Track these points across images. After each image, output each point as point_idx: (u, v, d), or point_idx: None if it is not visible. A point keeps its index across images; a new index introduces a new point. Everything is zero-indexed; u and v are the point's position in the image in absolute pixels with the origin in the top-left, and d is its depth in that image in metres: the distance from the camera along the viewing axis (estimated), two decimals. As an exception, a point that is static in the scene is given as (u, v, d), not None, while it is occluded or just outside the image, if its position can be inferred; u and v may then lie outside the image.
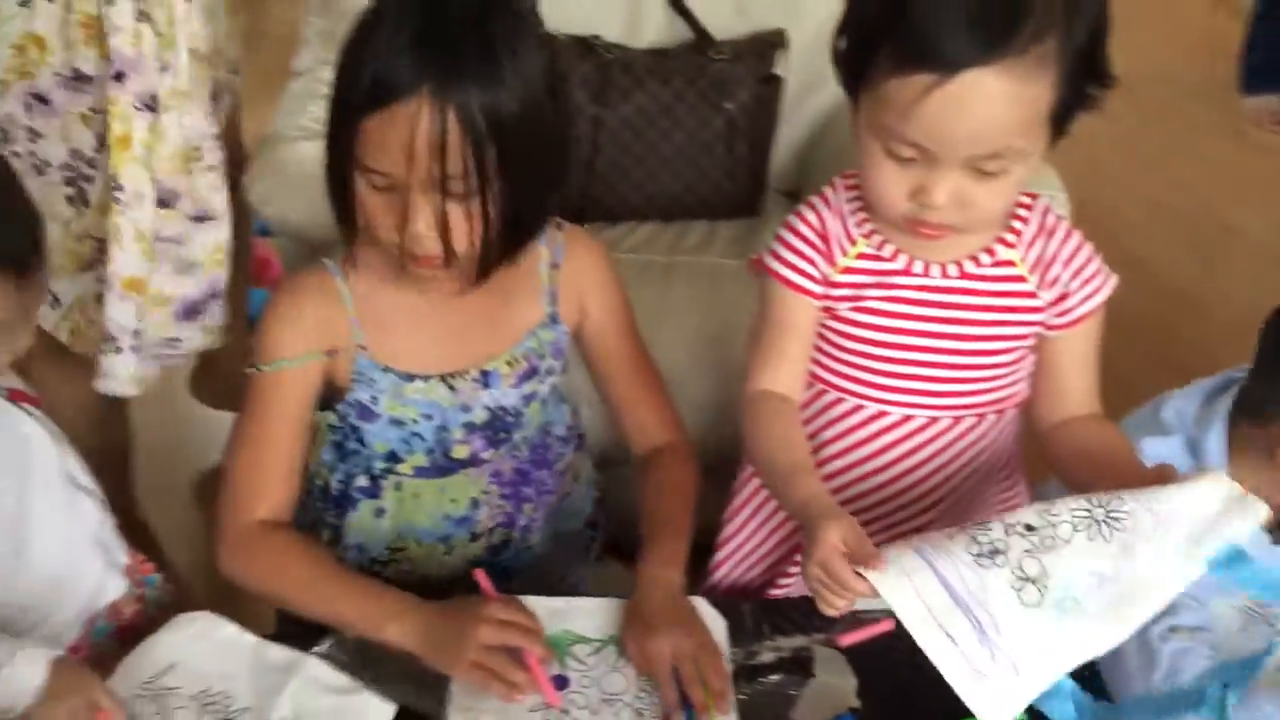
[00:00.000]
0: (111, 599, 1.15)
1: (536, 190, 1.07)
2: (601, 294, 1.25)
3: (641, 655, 1.09)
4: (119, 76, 1.34)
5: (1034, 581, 0.89)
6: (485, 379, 1.19)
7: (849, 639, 1.13)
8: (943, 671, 0.89)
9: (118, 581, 1.16)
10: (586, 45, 1.86)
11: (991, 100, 0.93)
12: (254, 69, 2.52)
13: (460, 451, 1.22)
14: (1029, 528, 0.91)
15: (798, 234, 1.13)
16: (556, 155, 1.09)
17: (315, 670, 1.06)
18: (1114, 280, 1.11)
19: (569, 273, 1.22)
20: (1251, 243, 2.83)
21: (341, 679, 1.06)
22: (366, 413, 1.19)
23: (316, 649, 1.09)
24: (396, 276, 1.12)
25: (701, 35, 1.92)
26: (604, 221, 1.91)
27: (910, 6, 0.94)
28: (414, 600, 1.09)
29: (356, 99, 1.00)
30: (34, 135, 1.37)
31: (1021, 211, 1.11)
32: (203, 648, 1.08)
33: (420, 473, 1.23)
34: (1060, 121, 0.99)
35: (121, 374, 1.48)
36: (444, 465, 1.23)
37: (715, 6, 1.93)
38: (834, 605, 0.95)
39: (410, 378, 1.17)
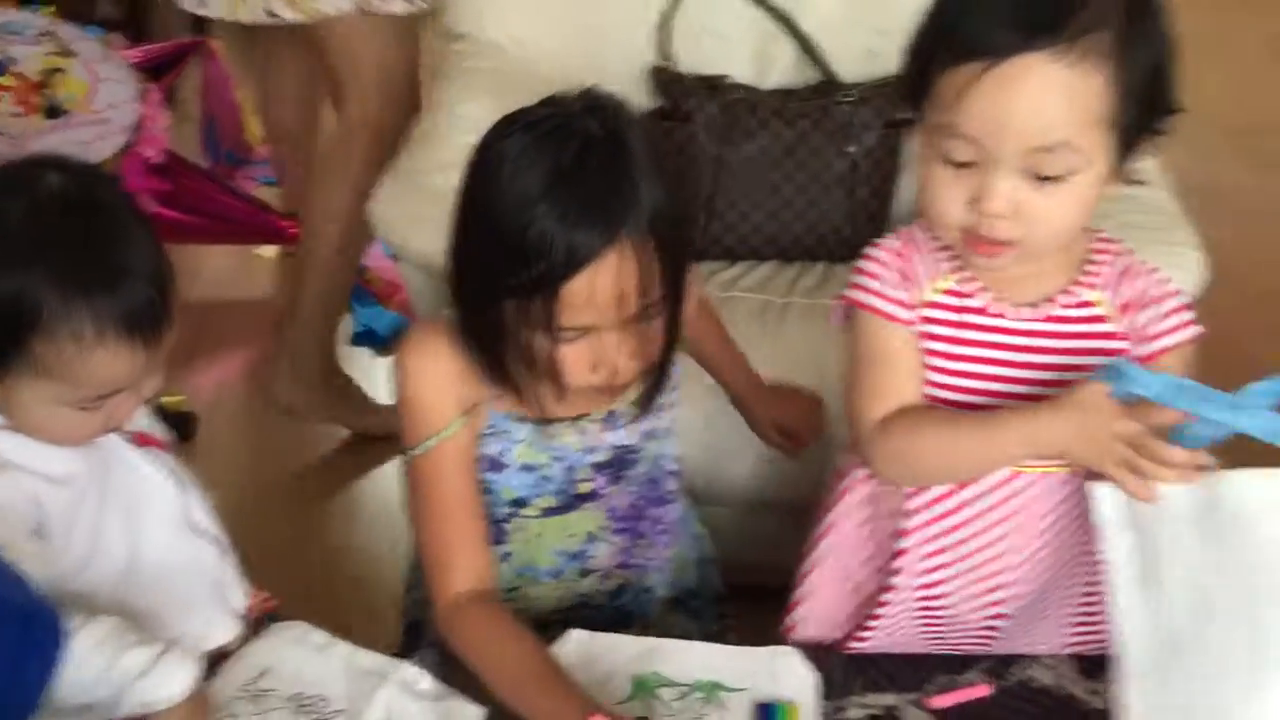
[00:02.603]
0: (221, 643, 1.13)
1: (685, 262, 1.08)
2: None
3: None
4: None
5: None
6: (611, 419, 1.19)
7: (942, 701, 1.09)
8: None
9: (229, 625, 1.14)
10: (713, 85, 1.88)
11: (1043, 85, 0.94)
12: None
13: (584, 488, 1.22)
14: None
15: (881, 263, 1.10)
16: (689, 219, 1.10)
17: (407, 676, 1.08)
18: (1196, 330, 1.08)
19: None
20: None
21: (434, 685, 1.08)
22: (495, 465, 1.17)
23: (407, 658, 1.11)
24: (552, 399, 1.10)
25: (829, 78, 1.92)
26: (723, 260, 1.91)
27: (961, 6, 0.98)
28: None
29: (552, 271, 0.98)
30: None
31: (1102, 257, 1.09)
32: (297, 653, 1.11)
33: (548, 513, 1.22)
34: (1123, 142, 0.98)
35: None
36: (568, 503, 1.22)
37: (847, 50, 1.93)
38: (1167, 475, 0.94)
39: (549, 422, 1.16)
